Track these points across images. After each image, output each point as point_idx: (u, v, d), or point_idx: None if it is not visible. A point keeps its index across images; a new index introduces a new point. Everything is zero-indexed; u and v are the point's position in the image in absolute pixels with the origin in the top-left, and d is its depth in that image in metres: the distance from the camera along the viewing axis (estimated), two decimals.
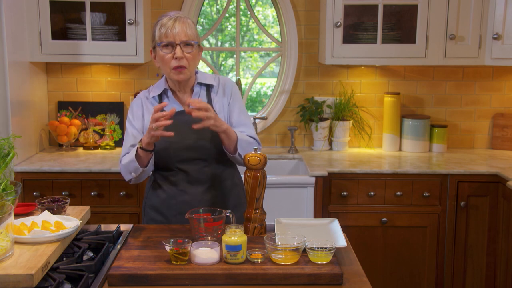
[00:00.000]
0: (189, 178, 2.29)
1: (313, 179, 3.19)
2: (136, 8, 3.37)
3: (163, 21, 2.23)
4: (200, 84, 2.34)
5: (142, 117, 2.33)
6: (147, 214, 2.39)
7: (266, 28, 4.38)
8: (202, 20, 4.75)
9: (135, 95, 3.70)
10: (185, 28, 2.21)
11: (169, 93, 2.33)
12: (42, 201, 2.12)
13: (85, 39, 3.42)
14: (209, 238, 1.94)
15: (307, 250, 1.84)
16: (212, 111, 2.10)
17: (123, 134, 3.78)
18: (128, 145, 2.30)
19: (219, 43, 4.96)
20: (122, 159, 2.28)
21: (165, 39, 2.20)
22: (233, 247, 1.81)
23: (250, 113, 3.82)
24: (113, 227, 2.23)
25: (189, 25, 2.23)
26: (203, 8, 4.16)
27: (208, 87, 2.35)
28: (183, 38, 2.20)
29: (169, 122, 2.04)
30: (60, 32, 3.52)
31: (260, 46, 4.93)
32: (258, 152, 2.07)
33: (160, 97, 2.34)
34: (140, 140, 2.16)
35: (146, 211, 2.40)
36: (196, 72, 2.36)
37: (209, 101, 2.32)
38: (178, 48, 2.20)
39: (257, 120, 3.78)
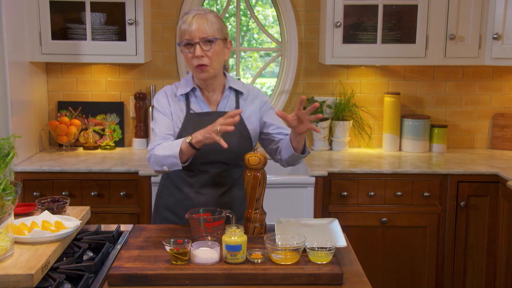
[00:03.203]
0: (207, 181, 2.26)
1: (313, 179, 3.19)
2: (136, 8, 3.37)
3: (184, 18, 2.20)
4: (231, 88, 2.32)
5: (170, 112, 2.27)
6: (160, 213, 2.38)
7: (266, 28, 4.38)
8: None
9: (135, 95, 3.70)
10: (203, 24, 2.16)
11: (197, 92, 2.28)
12: (42, 201, 2.12)
13: (85, 39, 3.42)
14: (209, 238, 1.94)
15: (307, 250, 1.84)
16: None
17: (123, 134, 3.78)
18: (163, 133, 2.21)
19: None
20: (156, 149, 2.15)
21: (184, 37, 2.18)
22: (233, 247, 1.80)
23: None
24: (113, 227, 2.23)
25: (208, 20, 2.17)
26: None
27: (237, 93, 2.33)
28: (201, 35, 2.16)
29: (232, 128, 1.99)
30: (60, 32, 3.52)
31: (260, 46, 4.93)
32: (258, 152, 2.07)
33: (187, 95, 2.29)
34: (191, 136, 2.07)
35: (159, 210, 2.38)
36: (224, 73, 2.33)
37: (237, 107, 2.31)
38: (197, 46, 2.16)
39: None
